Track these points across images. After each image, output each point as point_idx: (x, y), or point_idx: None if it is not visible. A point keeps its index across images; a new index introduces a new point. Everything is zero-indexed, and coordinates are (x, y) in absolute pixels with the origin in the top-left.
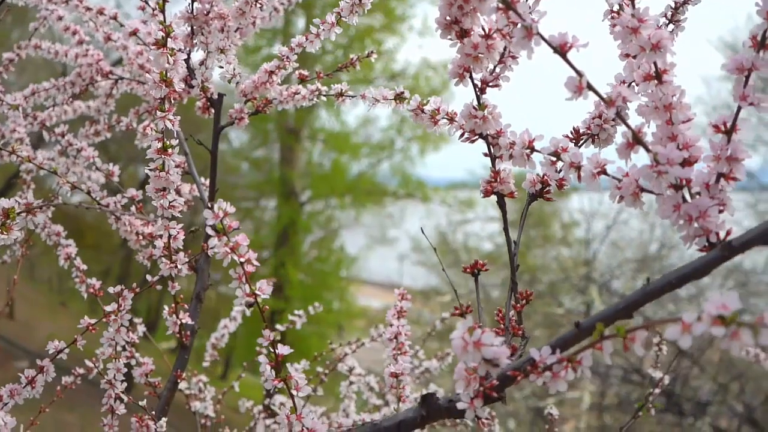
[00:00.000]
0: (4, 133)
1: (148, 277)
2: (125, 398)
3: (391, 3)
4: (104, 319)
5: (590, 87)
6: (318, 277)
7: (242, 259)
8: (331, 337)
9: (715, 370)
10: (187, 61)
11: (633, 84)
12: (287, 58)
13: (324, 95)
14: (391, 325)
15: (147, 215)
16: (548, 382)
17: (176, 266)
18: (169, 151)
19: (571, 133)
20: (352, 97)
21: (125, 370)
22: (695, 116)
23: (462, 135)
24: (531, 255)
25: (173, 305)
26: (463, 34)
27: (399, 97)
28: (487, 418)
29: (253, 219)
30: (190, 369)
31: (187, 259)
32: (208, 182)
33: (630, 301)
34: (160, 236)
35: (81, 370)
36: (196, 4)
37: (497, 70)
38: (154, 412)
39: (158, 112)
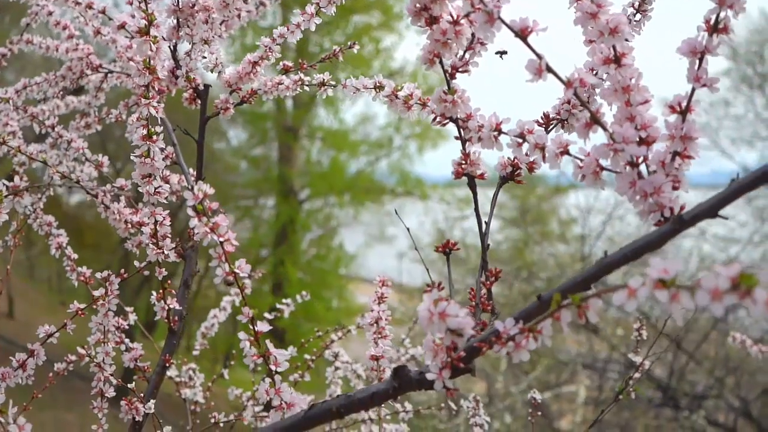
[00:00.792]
0: None
1: (136, 263)
2: (114, 381)
3: (389, 1)
4: (93, 305)
5: (549, 69)
6: (317, 275)
7: (222, 239)
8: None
9: (711, 364)
10: (173, 53)
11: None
12: (270, 48)
13: (307, 85)
14: (372, 311)
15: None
16: (511, 352)
17: (163, 252)
18: (154, 137)
19: (542, 118)
20: (333, 86)
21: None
22: (653, 97)
23: (434, 119)
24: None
25: (161, 291)
26: (433, 20)
27: (378, 86)
28: (454, 389)
29: (251, 217)
30: (181, 357)
31: (173, 245)
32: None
33: (588, 274)
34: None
35: (73, 357)
36: None
37: (467, 56)
38: (143, 395)
39: (142, 99)
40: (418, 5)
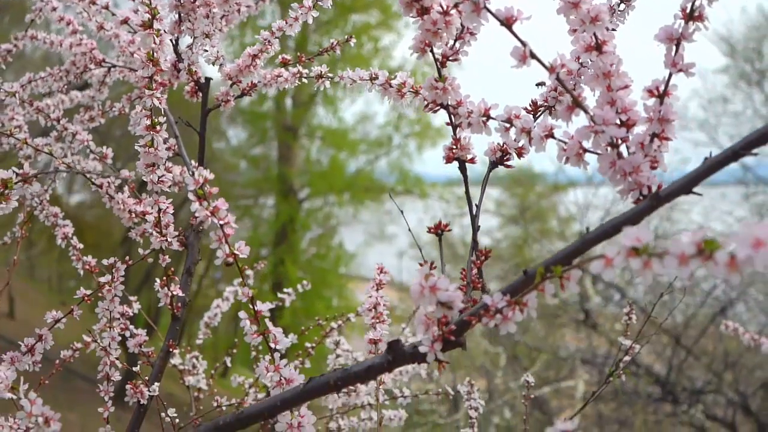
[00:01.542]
0: (3, 122)
1: (140, 251)
2: (120, 365)
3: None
4: (99, 291)
5: (533, 56)
6: (317, 274)
7: (222, 222)
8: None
9: (709, 359)
10: (175, 47)
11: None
12: (269, 41)
13: (305, 77)
14: (370, 297)
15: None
16: (499, 323)
17: (167, 239)
18: (157, 127)
19: (530, 105)
20: (331, 78)
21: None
22: (633, 82)
23: (426, 105)
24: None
25: (164, 278)
26: (424, 11)
27: (373, 77)
28: (445, 361)
29: (251, 217)
30: (184, 346)
31: (176, 233)
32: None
33: (570, 250)
34: (152, 208)
35: (79, 345)
36: None
37: (456, 45)
38: (147, 378)
39: (146, 90)
40: None
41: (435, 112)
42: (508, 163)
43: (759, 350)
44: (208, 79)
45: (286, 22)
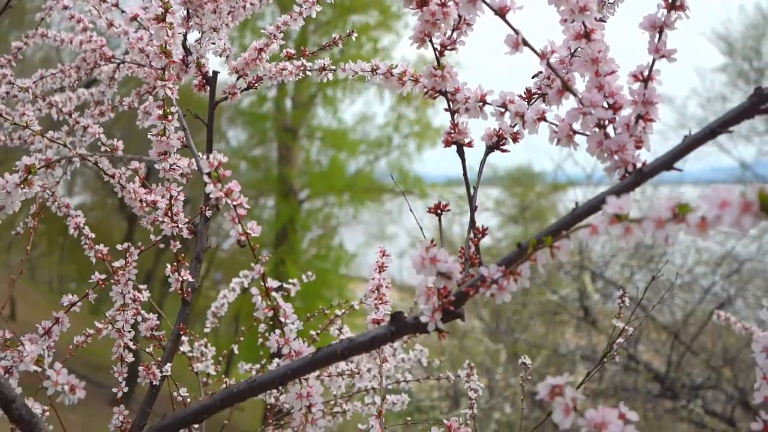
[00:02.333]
0: (13, 117)
1: (152, 237)
2: (133, 347)
3: (387, 0)
4: (113, 275)
5: (525, 43)
6: (317, 274)
7: (235, 203)
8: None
9: (708, 355)
10: (184, 42)
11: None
12: (274, 35)
13: (309, 70)
14: (373, 279)
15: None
16: (495, 293)
17: (177, 226)
18: (169, 117)
19: (525, 92)
20: (334, 70)
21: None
22: (619, 68)
23: (426, 93)
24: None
25: (175, 263)
26: (423, 3)
27: (374, 70)
28: (445, 331)
29: (252, 217)
30: (193, 333)
31: (186, 220)
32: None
33: (561, 223)
34: (162, 197)
35: (91, 331)
36: None
37: (454, 35)
38: (160, 359)
39: (158, 81)
40: None
41: (434, 98)
42: (504, 147)
43: (744, 332)
44: (215, 73)
45: (291, 17)
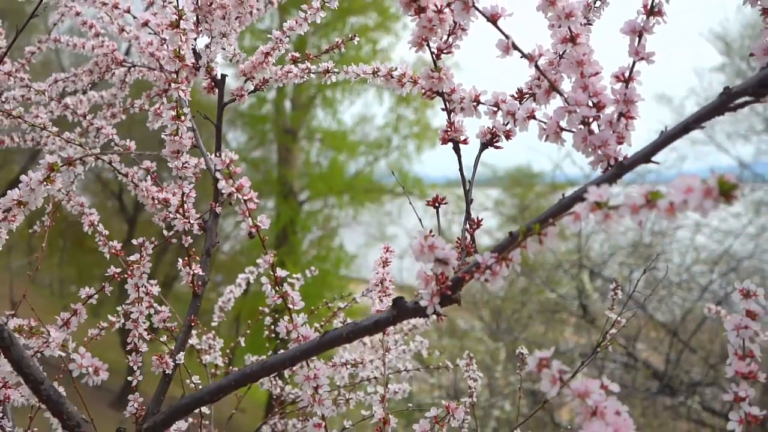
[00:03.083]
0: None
1: (164, 233)
2: (148, 337)
3: (385, 2)
4: (128, 269)
5: (515, 47)
6: (318, 275)
7: (246, 198)
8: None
9: (706, 353)
10: (193, 48)
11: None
12: (280, 40)
13: (313, 73)
14: (377, 273)
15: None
16: (489, 279)
17: (189, 221)
18: (182, 117)
19: (516, 92)
20: (337, 73)
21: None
22: (603, 69)
23: (424, 93)
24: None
25: (187, 258)
26: (420, 10)
27: (375, 72)
28: (444, 315)
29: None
30: (201, 327)
31: (198, 216)
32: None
33: (549, 212)
34: (174, 194)
35: (104, 324)
36: None
37: (450, 39)
38: (173, 348)
39: (172, 84)
40: None
41: (432, 98)
42: (497, 144)
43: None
44: (224, 76)
45: (296, 22)
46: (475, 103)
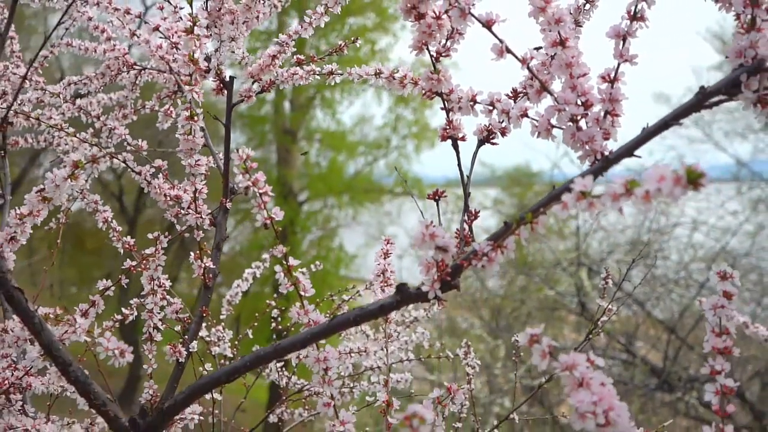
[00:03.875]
0: (42, 120)
1: (177, 227)
2: (162, 327)
3: (384, 2)
4: (143, 261)
5: (509, 50)
6: (318, 276)
7: (261, 191)
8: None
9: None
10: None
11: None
12: (286, 43)
13: (318, 74)
14: (379, 264)
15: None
16: (486, 266)
17: (201, 216)
18: (195, 118)
19: (511, 92)
20: (341, 74)
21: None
22: (590, 70)
23: (424, 94)
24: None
25: (198, 251)
26: (420, 16)
27: (377, 73)
28: (444, 300)
29: (251, 220)
30: (210, 319)
31: (209, 212)
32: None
33: (540, 203)
34: (186, 191)
35: (119, 316)
36: (210, 3)
37: (448, 43)
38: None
39: (186, 86)
40: (408, 4)
41: (431, 98)
42: (494, 141)
43: (752, 340)
44: (232, 78)
45: (302, 26)
46: (472, 103)
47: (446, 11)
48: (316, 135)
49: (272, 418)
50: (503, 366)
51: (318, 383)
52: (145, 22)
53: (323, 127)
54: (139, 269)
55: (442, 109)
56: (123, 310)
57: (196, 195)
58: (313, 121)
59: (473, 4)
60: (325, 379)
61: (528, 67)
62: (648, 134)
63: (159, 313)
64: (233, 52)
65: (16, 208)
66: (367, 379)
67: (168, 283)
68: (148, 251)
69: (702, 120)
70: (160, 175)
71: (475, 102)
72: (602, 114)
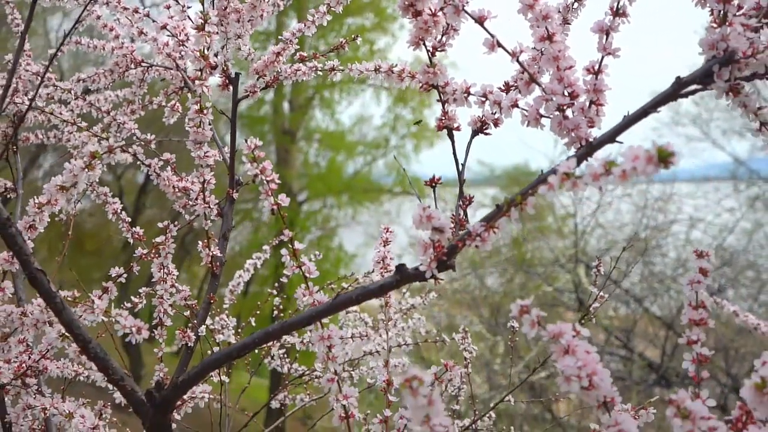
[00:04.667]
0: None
1: (186, 216)
2: (171, 312)
3: (382, 2)
4: (154, 249)
5: (500, 45)
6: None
7: (268, 179)
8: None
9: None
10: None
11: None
12: (290, 41)
13: (320, 71)
14: (379, 251)
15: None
16: (479, 245)
17: (209, 206)
18: (205, 111)
19: (503, 85)
20: (342, 70)
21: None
22: (576, 63)
23: (421, 87)
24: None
25: (206, 240)
26: (417, 13)
27: (377, 69)
28: (441, 279)
29: (251, 220)
30: (215, 308)
31: (217, 202)
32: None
33: (530, 186)
34: (193, 183)
35: (129, 305)
36: (216, 1)
37: (443, 39)
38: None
39: (196, 81)
40: (406, 2)
41: (428, 91)
42: (487, 131)
43: (750, 335)
44: (237, 74)
45: (305, 25)
46: (465, 95)
47: (441, 8)
48: (315, 135)
49: (274, 404)
50: (502, 362)
51: (321, 360)
52: (153, 21)
53: (322, 127)
54: (150, 257)
55: (438, 100)
56: (132, 298)
57: (205, 186)
58: (312, 121)
59: (467, 2)
60: (329, 356)
61: (518, 60)
62: (629, 121)
63: (168, 299)
64: (239, 49)
65: (34, 197)
66: (366, 365)
67: (176, 273)
68: (158, 239)
69: (700, 118)
70: (169, 168)
71: (469, 93)
72: (587, 104)
